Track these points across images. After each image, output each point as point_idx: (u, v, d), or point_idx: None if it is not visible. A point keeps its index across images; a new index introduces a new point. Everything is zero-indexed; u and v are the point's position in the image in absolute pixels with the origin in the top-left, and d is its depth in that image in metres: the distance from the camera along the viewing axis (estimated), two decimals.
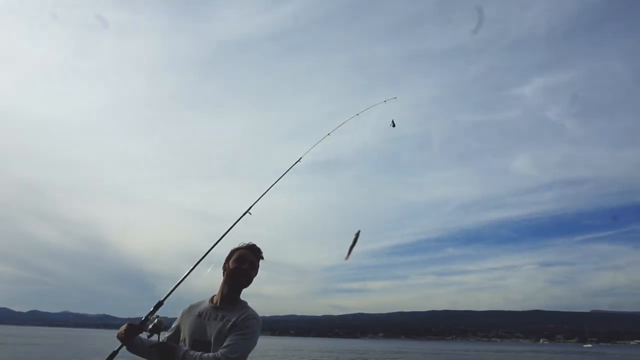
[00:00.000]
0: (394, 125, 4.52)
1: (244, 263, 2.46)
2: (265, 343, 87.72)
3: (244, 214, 2.95)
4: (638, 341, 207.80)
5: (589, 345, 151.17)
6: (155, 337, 2.28)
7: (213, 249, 2.76)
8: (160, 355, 2.24)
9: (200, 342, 2.30)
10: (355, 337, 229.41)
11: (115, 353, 2.24)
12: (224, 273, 2.51)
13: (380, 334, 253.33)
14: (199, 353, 2.20)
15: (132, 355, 2.44)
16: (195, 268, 2.67)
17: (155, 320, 2.27)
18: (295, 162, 3.60)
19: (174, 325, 2.51)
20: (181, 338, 2.43)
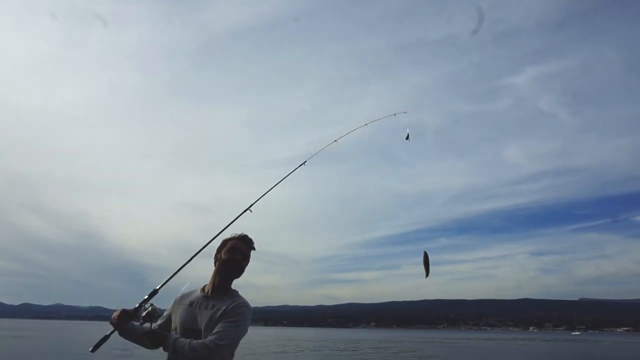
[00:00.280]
0: (408, 138, 4.54)
1: (236, 254, 2.47)
2: (258, 333, 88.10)
3: (244, 211, 2.93)
4: (625, 329, 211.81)
5: (577, 333, 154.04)
6: (148, 325, 2.29)
7: (205, 240, 2.75)
8: (152, 342, 2.27)
9: (191, 330, 2.32)
10: (347, 326, 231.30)
11: (107, 337, 2.26)
12: (215, 263, 2.51)
13: (373, 323, 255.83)
14: (189, 340, 2.22)
15: (125, 344, 2.46)
16: (190, 260, 2.66)
17: (150, 309, 2.28)
18: (299, 166, 3.61)
19: (165, 313, 2.53)
20: (172, 326, 2.44)
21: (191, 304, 2.42)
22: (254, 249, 2.55)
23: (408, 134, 4.56)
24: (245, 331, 2.38)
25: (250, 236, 2.57)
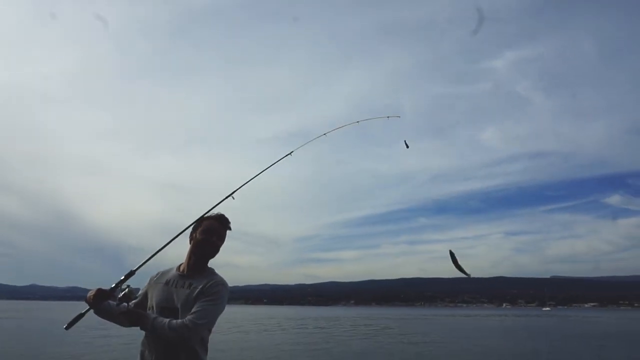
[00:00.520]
0: (407, 147, 4.55)
1: (212, 235, 2.44)
2: (238, 311, 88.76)
3: (226, 198, 2.87)
4: (592, 304, 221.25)
5: (547, 309, 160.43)
6: (125, 305, 2.27)
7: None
8: (129, 322, 2.25)
9: (167, 309, 2.30)
10: (327, 305, 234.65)
11: (82, 315, 2.22)
12: (190, 241, 2.49)
13: (352, 302, 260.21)
14: (168, 320, 2.20)
15: (103, 323, 2.45)
16: (169, 244, 2.60)
17: (126, 290, 2.25)
18: (285, 155, 3.52)
19: (140, 292, 2.50)
20: (148, 305, 2.42)
21: (167, 282, 2.40)
22: (229, 228, 2.53)
23: (405, 142, 4.56)
24: (222, 309, 2.38)
25: (230, 216, 2.55)
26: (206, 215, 2.55)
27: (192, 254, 2.45)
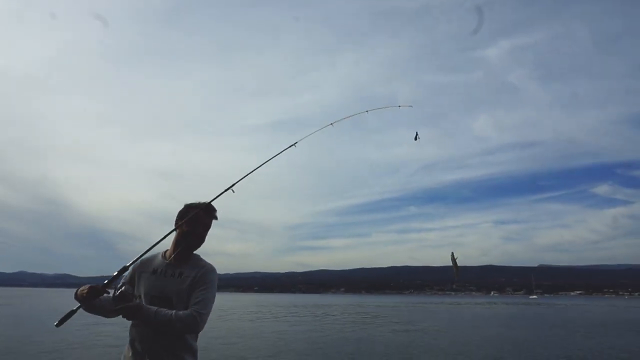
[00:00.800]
0: (416, 138, 4.40)
1: (197, 227, 2.43)
2: (229, 299, 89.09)
3: (226, 190, 2.77)
4: (578, 292, 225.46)
5: (534, 297, 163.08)
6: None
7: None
8: (126, 317, 2.18)
9: (157, 298, 2.28)
10: (318, 292, 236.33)
11: (73, 312, 2.17)
12: (175, 229, 2.45)
13: (342, 289, 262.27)
14: (173, 312, 2.18)
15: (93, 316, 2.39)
16: (164, 238, 2.50)
17: (123, 288, 2.19)
18: (289, 147, 3.44)
19: (124, 280, 2.43)
20: (135, 294, 2.37)
21: (154, 271, 2.37)
22: (216, 218, 2.51)
23: (417, 133, 4.42)
24: (215, 295, 2.41)
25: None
26: (192, 204, 2.49)
27: (178, 243, 2.42)
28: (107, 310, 2.28)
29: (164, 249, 2.48)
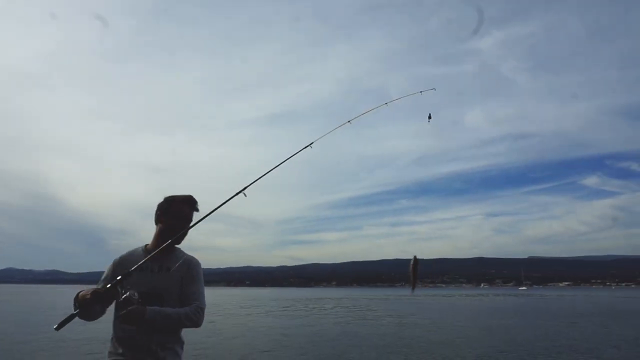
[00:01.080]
0: (430, 119, 4.31)
1: (181, 220, 2.41)
2: (221, 293, 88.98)
3: (238, 194, 2.68)
4: (567, 283, 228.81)
5: (523, 288, 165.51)
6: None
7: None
8: (130, 322, 2.13)
9: (147, 295, 2.21)
10: (309, 286, 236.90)
11: (73, 315, 2.11)
12: (156, 223, 2.44)
13: (334, 283, 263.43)
14: (178, 310, 2.21)
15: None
16: (167, 243, 2.43)
17: (127, 294, 2.12)
18: (305, 147, 3.35)
19: (103, 277, 2.38)
20: (121, 291, 2.28)
21: (140, 267, 2.27)
22: (197, 210, 2.48)
23: (430, 114, 4.30)
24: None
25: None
26: (173, 197, 2.46)
27: (161, 237, 2.39)
28: (98, 313, 2.25)
29: (144, 244, 2.44)
